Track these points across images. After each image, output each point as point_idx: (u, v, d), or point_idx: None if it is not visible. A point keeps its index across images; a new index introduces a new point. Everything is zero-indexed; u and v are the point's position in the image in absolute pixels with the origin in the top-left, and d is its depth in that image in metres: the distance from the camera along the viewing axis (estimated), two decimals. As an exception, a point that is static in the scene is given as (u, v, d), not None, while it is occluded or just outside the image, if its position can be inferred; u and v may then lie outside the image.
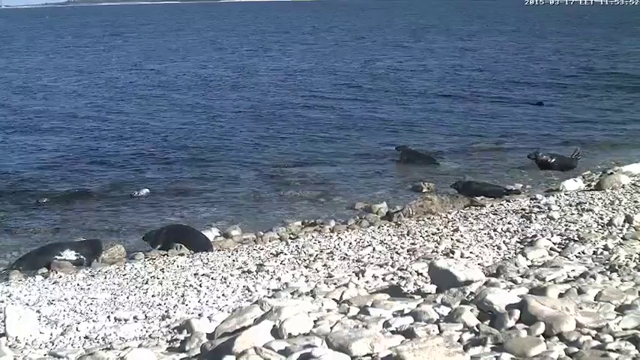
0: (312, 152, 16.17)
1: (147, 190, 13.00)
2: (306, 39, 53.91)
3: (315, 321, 4.47)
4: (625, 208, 8.62)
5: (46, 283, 8.36)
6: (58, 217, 11.92)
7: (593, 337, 3.52)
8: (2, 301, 7.61)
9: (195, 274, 8.00)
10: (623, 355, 3.26)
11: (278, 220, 11.23)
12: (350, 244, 8.73)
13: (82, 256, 9.59)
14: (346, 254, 8.17)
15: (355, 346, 3.56)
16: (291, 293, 6.59)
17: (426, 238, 8.50)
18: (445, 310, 4.33)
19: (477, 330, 3.82)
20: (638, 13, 79.23)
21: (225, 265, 8.34)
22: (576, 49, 40.20)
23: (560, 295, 4.39)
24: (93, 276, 8.56)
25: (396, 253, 7.93)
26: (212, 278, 7.73)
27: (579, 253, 6.65)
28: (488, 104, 22.56)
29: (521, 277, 5.54)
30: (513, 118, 20.27)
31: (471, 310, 4.10)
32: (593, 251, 6.64)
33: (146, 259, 9.29)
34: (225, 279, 7.64)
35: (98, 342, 6.01)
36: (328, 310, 5.12)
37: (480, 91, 25.31)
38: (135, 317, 6.61)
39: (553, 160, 13.95)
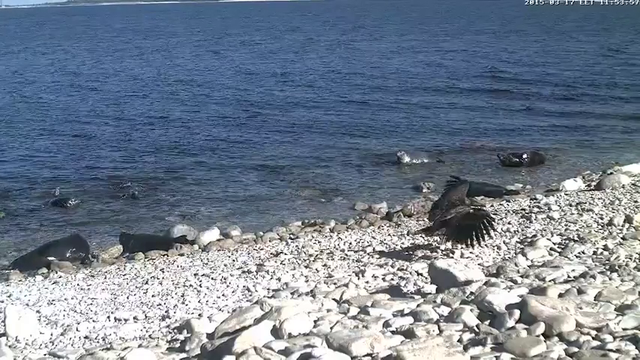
0: (313, 152, 16.17)
1: (143, 192, 12.97)
2: (305, 39, 53.91)
3: (315, 321, 4.46)
4: (625, 208, 8.61)
5: (46, 283, 8.37)
6: (58, 217, 11.94)
7: (593, 337, 3.52)
8: (2, 301, 7.62)
9: (195, 274, 8.01)
10: (623, 355, 3.26)
11: (278, 220, 11.23)
12: (350, 244, 8.73)
13: (79, 253, 9.66)
14: (346, 254, 8.17)
15: (355, 346, 3.56)
16: (291, 293, 6.59)
17: (426, 239, 8.49)
18: (445, 310, 4.33)
19: (477, 330, 3.81)
20: None
21: (225, 265, 8.35)
22: (576, 50, 40.18)
23: (560, 295, 4.38)
24: (93, 276, 8.57)
25: (396, 253, 7.93)
26: (212, 278, 7.73)
27: (579, 253, 6.65)
28: (488, 104, 22.55)
29: (521, 277, 5.53)
30: (514, 118, 20.26)
31: (471, 310, 4.10)
32: (593, 251, 6.64)
33: (146, 259, 9.30)
34: (225, 279, 7.64)
35: (98, 342, 6.02)
36: (328, 310, 5.12)
37: (480, 91, 25.29)
38: (135, 317, 6.62)
39: (517, 159, 14.32)
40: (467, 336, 3.75)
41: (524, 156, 14.52)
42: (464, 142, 16.94)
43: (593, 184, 10.91)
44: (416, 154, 15.22)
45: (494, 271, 6.09)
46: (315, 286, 6.71)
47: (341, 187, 13.27)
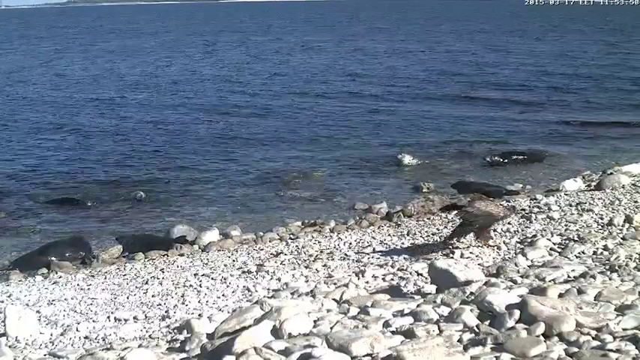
0: (312, 152, 16.17)
1: (142, 193, 12.96)
2: (304, 39, 53.91)
3: (315, 321, 4.47)
4: (625, 208, 8.61)
5: (46, 283, 8.37)
6: (58, 217, 11.94)
7: (593, 337, 3.52)
8: (2, 301, 7.62)
9: (195, 274, 8.01)
10: (623, 355, 3.26)
11: (278, 220, 11.23)
12: (350, 244, 8.73)
13: (79, 254, 9.67)
14: (346, 254, 8.17)
15: (355, 346, 3.56)
16: (291, 293, 6.60)
17: (426, 239, 8.50)
18: (445, 310, 4.33)
19: (477, 330, 3.82)
20: None
21: (225, 266, 8.35)
22: (575, 51, 40.18)
23: (560, 295, 4.38)
24: (93, 276, 8.57)
25: (396, 253, 7.93)
26: (212, 278, 7.73)
27: (579, 253, 6.65)
28: (488, 105, 22.54)
29: (521, 277, 5.53)
30: (513, 118, 20.24)
31: (471, 310, 4.10)
32: (593, 251, 6.64)
33: (146, 259, 9.29)
34: (225, 279, 7.65)
35: (98, 342, 6.02)
36: (328, 310, 5.12)
37: (480, 92, 25.27)
38: (135, 317, 6.62)
39: (509, 160, 14.55)
40: (467, 336, 3.75)
41: (517, 155, 14.67)
42: (464, 142, 16.92)
43: (593, 184, 10.90)
44: (416, 154, 15.24)
45: (494, 271, 6.09)
46: (315, 287, 6.72)
47: (341, 187, 13.27)
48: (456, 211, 7.87)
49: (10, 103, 24.42)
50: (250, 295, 6.93)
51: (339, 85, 27.16)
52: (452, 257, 7.26)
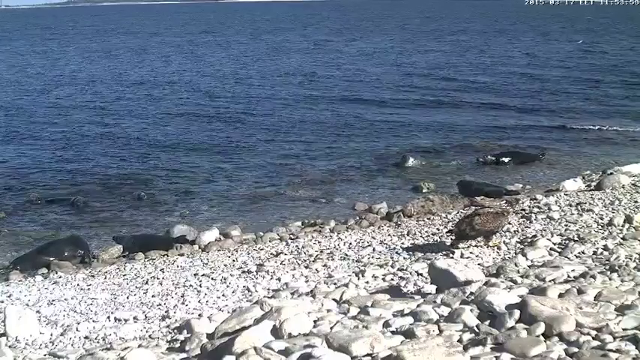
0: (313, 153, 16.17)
1: (142, 193, 12.96)
2: (307, 39, 53.91)
3: (315, 321, 4.47)
4: (625, 208, 8.61)
5: (46, 283, 8.37)
6: (58, 217, 11.93)
7: (593, 337, 3.52)
8: (2, 301, 7.63)
9: (195, 275, 8.01)
10: (623, 355, 3.26)
11: (278, 220, 11.24)
12: (350, 244, 8.73)
13: (78, 252, 9.67)
14: (346, 254, 8.17)
15: (355, 346, 3.56)
16: (291, 293, 6.60)
17: (426, 239, 8.50)
18: (445, 310, 4.33)
19: (477, 330, 3.81)
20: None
21: (225, 266, 8.35)
22: (575, 52, 40.18)
23: (560, 295, 4.38)
24: (93, 276, 8.58)
25: (396, 253, 7.94)
26: (212, 278, 7.74)
27: (579, 253, 6.65)
28: (488, 106, 22.53)
29: (521, 277, 5.53)
30: (513, 120, 20.23)
31: (471, 310, 4.09)
32: (593, 251, 6.64)
33: (146, 259, 9.29)
34: (225, 279, 7.65)
35: (98, 342, 6.02)
36: (328, 310, 5.13)
37: (480, 93, 25.27)
38: (135, 317, 6.62)
39: (502, 160, 14.61)
40: (467, 336, 3.75)
41: (517, 155, 14.70)
42: (464, 143, 16.91)
43: (593, 184, 10.90)
44: (416, 155, 15.24)
45: (494, 271, 6.09)
46: (315, 287, 6.72)
47: (341, 187, 13.27)
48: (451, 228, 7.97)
49: (9, 104, 24.40)
50: (250, 295, 6.93)
51: (339, 87, 27.12)
52: (452, 257, 7.26)
